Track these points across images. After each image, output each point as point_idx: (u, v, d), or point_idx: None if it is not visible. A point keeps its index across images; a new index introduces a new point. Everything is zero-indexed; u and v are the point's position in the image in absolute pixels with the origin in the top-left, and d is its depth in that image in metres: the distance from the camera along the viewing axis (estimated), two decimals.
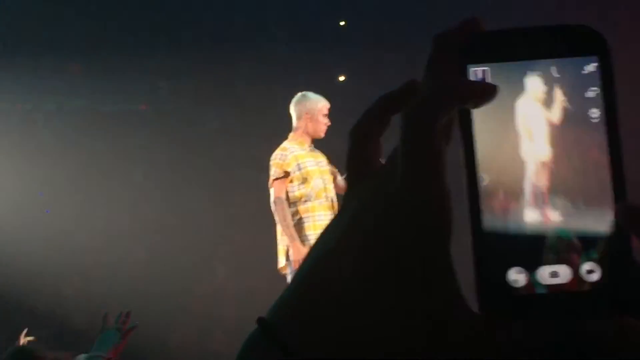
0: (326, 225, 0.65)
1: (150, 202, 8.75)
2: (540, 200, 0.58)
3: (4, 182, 8.88)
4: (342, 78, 8.92)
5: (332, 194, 6.04)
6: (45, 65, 8.81)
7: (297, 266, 5.78)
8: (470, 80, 0.59)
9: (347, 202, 0.64)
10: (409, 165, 0.57)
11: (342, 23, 9.06)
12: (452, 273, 0.57)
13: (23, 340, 5.33)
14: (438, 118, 0.57)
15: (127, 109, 9.02)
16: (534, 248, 0.57)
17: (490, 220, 0.58)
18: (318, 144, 6.16)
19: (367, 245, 0.58)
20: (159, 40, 8.73)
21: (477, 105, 0.58)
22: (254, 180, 7.25)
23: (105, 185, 8.84)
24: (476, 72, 0.59)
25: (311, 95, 6.13)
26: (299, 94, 6.17)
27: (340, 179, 6.11)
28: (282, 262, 6.01)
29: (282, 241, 5.99)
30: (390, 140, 0.63)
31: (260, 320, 0.61)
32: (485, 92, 0.58)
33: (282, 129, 7.54)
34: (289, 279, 5.97)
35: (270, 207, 6.05)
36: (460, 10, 8.00)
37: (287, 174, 5.93)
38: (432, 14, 8.43)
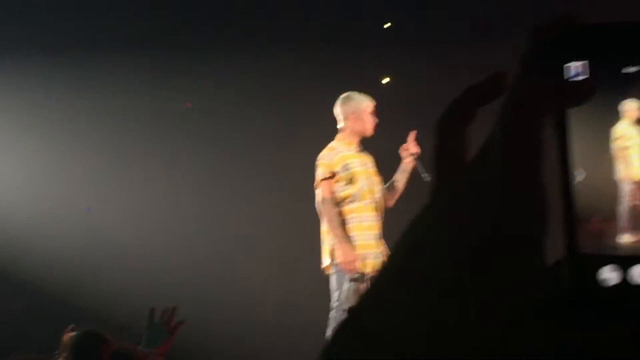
0: (412, 220, 0.65)
1: (191, 199, 8.79)
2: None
3: (46, 179, 8.96)
4: (385, 80, 8.90)
5: (378, 195, 6.05)
6: (90, 62, 8.88)
7: (345, 267, 5.80)
8: (569, 81, 0.59)
9: (436, 197, 0.64)
10: (507, 163, 0.57)
11: (386, 25, 9.04)
12: (544, 268, 0.57)
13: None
14: (537, 119, 0.57)
15: (172, 107, 9.04)
16: (627, 246, 0.57)
17: (584, 217, 0.57)
18: (365, 145, 6.17)
19: (458, 240, 0.58)
20: (202, 38, 8.78)
21: (575, 105, 0.58)
22: (297, 179, 7.28)
23: (146, 181, 8.89)
24: (573, 68, 0.58)
25: (355, 95, 6.17)
26: (343, 95, 6.20)
27: (384, 188, 6.11)
28: (326, 261, 6.02)
29: (327, 241, 6.00)
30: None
31: (349, 310, 0.62)
32: (584, 92, 0.58)
33: (323, 131, 7.55)
34: (332, 279, 5.99)
35: (312, 207, 6.07)
36: (503, 11, 7.97)
37: (334, 175, 5.95)
38: (476, 16, 8.40)
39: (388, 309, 0.60)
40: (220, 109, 8.92)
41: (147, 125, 8.99)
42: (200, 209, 8.73)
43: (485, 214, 0.58)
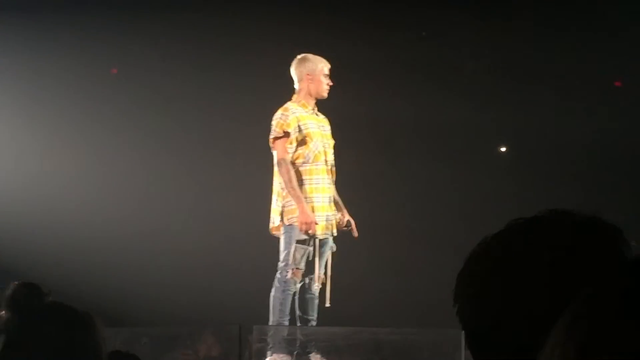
0: None
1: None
2: None
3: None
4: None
5: (331, 158, 6.10)
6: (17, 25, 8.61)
7: (303, 227, 5.81)
8: None
9: None
10: None
11: None
12: None
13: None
14: None
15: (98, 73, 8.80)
16: None
17: None
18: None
19: None
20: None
21: None
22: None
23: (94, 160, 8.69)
24: None
25: (310, 56, 6.20)
26: (299, 56, 6.20)
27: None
28: (276, 222, 6.02)
29: (277, 202, 6.01)
30: None
31: None
32: None
33: (258, 94, 7.52)
34: (281, 239, 5.99)
35: (262, 168, 6.12)
36: None
37: (287, 134, 5.94)
38: None
39: None
40: (145, 76, 8.75)
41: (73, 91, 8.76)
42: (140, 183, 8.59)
43: None
